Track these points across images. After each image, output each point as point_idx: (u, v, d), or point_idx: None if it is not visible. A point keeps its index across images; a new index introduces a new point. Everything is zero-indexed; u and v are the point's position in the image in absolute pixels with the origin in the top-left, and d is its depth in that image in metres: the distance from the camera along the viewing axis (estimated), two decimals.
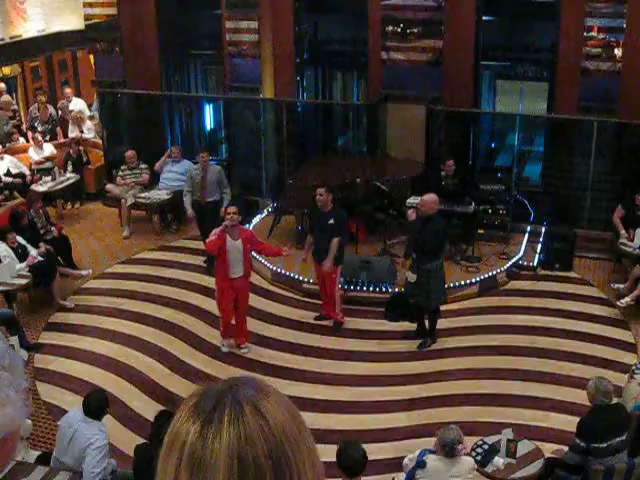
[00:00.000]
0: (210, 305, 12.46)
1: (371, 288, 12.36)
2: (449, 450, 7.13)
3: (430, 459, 7.22)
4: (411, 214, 10.95)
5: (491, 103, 15.76)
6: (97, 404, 7.68)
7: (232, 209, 10.71)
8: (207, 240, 10.79)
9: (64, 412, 8.49)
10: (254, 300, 12.57)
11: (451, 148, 14.06)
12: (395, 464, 8.12)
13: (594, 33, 13.43)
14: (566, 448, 7.87)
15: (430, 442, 7.69)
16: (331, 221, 11.18)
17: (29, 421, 8.61)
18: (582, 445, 7.54)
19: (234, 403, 1.41)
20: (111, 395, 10.13)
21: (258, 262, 13.29)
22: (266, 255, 12.31)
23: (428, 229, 10.65)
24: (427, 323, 11.40)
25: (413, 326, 11.58)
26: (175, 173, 15.15)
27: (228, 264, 10.64)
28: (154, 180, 15.54)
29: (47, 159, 16.72)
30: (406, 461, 7.51)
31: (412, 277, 10.93)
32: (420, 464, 7.21)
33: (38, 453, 8.23)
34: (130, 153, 15.56)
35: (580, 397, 9.76)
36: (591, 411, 7.68)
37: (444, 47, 14.21)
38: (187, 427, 1.41)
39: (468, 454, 7.60)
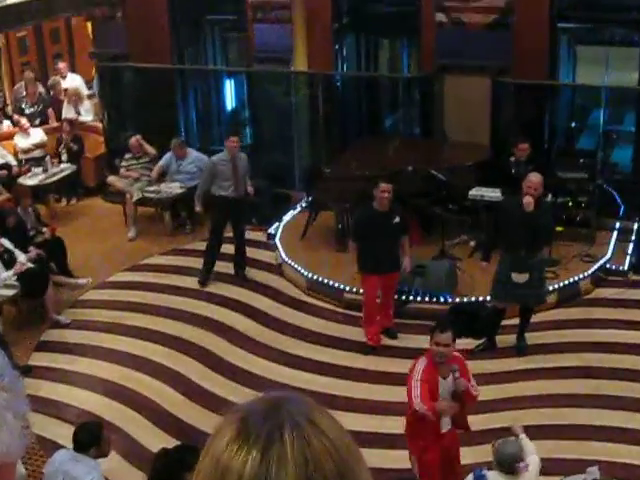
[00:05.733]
0: (233, 320, 12.53)
1: (427, 298, 12.34)
2: (508, 467, 7.11)
3: (490, 475, 7.23)
4: (529, 203, 10.88)
5: (571, 74, 15.65)
6: (88, 434, 7.79)
7: (445, 336, 8.25)
8: (421, 404, 8.08)
9: (58, 447, 8.55)
10: (285, 313, 12.67)
11: (522, 128, 13.97)
12: None
13: None
14: None
15: None
16: (396, 220, 11.19)
17: (23, 470, 8.70)
18: None
19: (292, 423, 1.45)
20: (114, 427, 10.24)
21: (291, 268, 13.38)
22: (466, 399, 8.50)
23: (541, 212, 10.83)
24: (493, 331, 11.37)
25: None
26: (186, 174, 15.22)
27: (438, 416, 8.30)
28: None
29: (36, 147, 16.88)
30: None
31: (522, 277, 11.04)
32: (480, 478, 7.22)
33: None
34: (134, 140, 15.66)
35: None
36: None
37: (513, 7, 14.15)
38: (241, 457, 1.43)
39: None
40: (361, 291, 12.04)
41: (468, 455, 9.61)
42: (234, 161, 13.16)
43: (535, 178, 11.00)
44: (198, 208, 13.62)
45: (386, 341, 11.88)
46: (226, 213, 13.36)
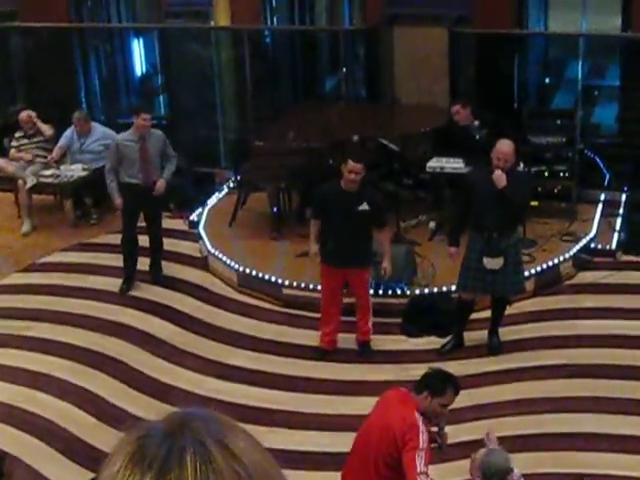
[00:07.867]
0: (152, 325, 12.48)
1: (381, 290, 12.34)
2: None
3: None
4: (500, 178, 10.80)
5: (542, 21, 15.74)
6: None
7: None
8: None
9: None
10: (213, 315, 12.63)
11: (486, 86, 14.03)
12: None
13: None
14: None
15: None
16: (363, 207, 11.09)
17: None
18: None
19: (196, 444, 1.43)
20: (12, 458, 10.09)
21: (218, 261, 13.37)
22: None
23: (516, 187, 10.79)
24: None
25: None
26: (90, 153, 15.09)
27: None
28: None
29: None
30: None
31: (496, 263, 10.99)
32: None
33: None
34: (26, 115, 15.49)
35: None
36: None
37: None
38: None
39: None
40: (303, 285, 12.13)
41: (433, 475, 9.64)
42: (143, 142, 12.86)
43: (505, 147, 10.92)
44: (118, 200, 12.95)
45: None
46: (136, 205, 13.00)
